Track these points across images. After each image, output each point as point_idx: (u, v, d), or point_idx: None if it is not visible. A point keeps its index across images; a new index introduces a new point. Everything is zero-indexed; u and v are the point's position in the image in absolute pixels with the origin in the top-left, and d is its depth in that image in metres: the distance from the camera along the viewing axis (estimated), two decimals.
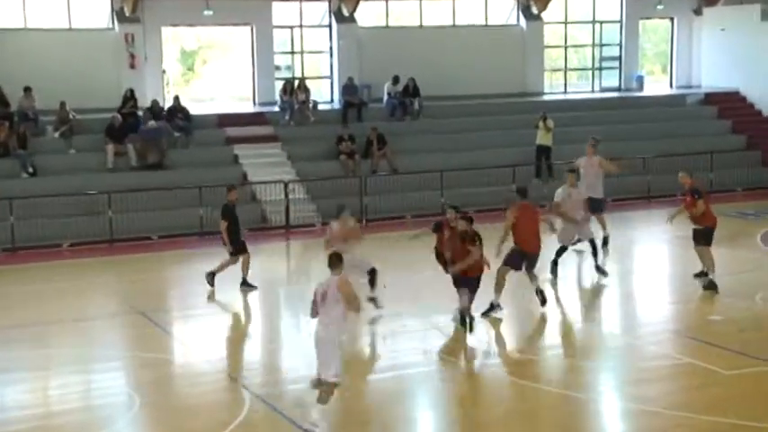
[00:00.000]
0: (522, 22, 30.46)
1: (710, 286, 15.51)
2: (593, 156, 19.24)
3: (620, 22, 31.91)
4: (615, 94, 30.98)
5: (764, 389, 11.28)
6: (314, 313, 10.35)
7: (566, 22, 31.92)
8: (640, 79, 31.85)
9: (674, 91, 31.87)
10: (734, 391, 11.20)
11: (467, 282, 13.43)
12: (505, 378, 12.05)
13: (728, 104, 29.54)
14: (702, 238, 15.72)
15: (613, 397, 11.55)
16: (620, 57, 32.08)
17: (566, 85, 32.03)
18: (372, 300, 14.45)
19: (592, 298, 16.12)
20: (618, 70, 32.22)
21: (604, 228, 18.76)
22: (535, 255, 14.61)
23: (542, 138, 24.86)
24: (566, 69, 32.38)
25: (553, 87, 31.57)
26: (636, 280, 17.46)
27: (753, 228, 21.16)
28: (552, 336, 14.16)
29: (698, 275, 16.05)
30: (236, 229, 16.13)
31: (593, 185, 18.69)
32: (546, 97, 30.15)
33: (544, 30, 30.80)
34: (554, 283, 16.19)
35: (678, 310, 15.16)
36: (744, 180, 26.38)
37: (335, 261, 10.38)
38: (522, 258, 14.50)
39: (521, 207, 14.75)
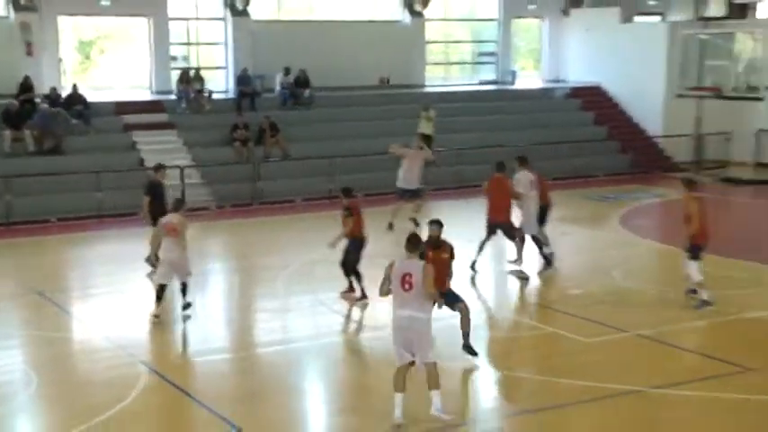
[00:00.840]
0: (407, 18, 30.72)
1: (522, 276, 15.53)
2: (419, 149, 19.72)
3: (497, 20, 32.49)
4: (491, 87, 31.54)
5: (619, 354, 11.79)
6: (385, 292, 9.51)
7: (446, 20, 32.31)
8: (514, 74, 32.51)
9: (543, 85, 32.63)
10: (593, 356, 11.67)
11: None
12: (388, 348, 12.20)
13: (591, 98, 30.41)
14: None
15: (486, 365, 11.89)
16: (496, 52, 32.69)
17: (446, 77, 32.46)
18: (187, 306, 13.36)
19: (466, 279, 16.42)
20: (494, 65, 32.82)
21: (417, 211, 19.16)
22: (504, 224, 15.24)
23: (424, 127, 25.16)
24: (446, 63, 32.80)
25: (435, 80, 31.95)
26: (505, 259, 17.85)
27: (612, 210, 21.91)
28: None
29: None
30: (161, 207, 15.36)
31: (411, 177, 19.16)
32: (428, 89, 30.50)
33: (426, 26, 31.11)
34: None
35: (543, 285, 15.63)
36: (605, 166, 27.27)
37: (416, 243, 9.53)
38: (492, 229, 15.16)
39: (494, 179, 15.32)
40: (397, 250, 17.47)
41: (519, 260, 15.84)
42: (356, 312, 13.78)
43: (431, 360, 9.44)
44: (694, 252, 13.44)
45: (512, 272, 15.80)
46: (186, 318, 13.23)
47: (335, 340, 12.78)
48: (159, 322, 12.91)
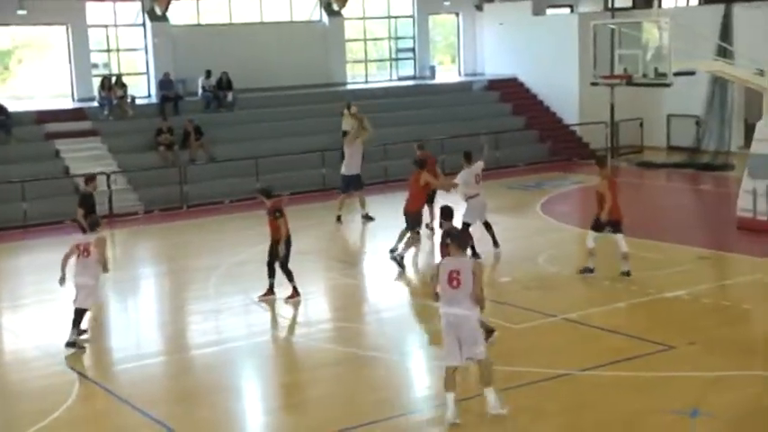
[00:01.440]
0: (325, 18, 30.56)
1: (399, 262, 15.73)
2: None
3: (413, 17, 32.53)
4: (411, 83, 31.59)
5: (548, 339, 11.87)
6: (433, 290, 9.35)
7: (364, 18, 32.24)
8: (432, 69, 32.59)
9: (462, 78, 32.79)
10: (522, 342, 11.74)
11: None
12: (322, 345, 12.15)
13: (509, 90, 30.65)
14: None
15: (418, 356, 11.87)
16: (414, 48, 32.75)
17: (366, 75, 32.41)
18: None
19: (394, 269, 16.38)
20: (412, 61, 32.87)
21: (363, 206, 19.39)
22: (405, 213, 15.83)
23: (347, 124, 25.03)
24: (366, 61, 32.76)
25: (355, 78, 31.87)
26: (436, 251, 17.87)
27: (534, 198, 22.11)
28: (364, 304, 14.36)
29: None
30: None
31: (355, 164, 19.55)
32: (349, 87, 30.40)
33: (345, 25, 31.00)
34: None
35: None
36: (525, 156, 27.53)
37: (464, 240, 9.58)
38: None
39: (412, 174, 16.07)
40: (320, 244, 17.56)
41: (397, 247, 15.83)
42: (288, 310, 13.63)
43: (482, 357, 9.23)
44: (597, 225, 14.22)
45: (392, 257, 15.78)
46: (75, 348, 11.82)
47: (268, 339, 12.64)
48: (88, 339, 12.42)
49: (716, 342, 11.31)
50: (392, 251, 15.94)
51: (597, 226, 14.22)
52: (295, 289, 13.78)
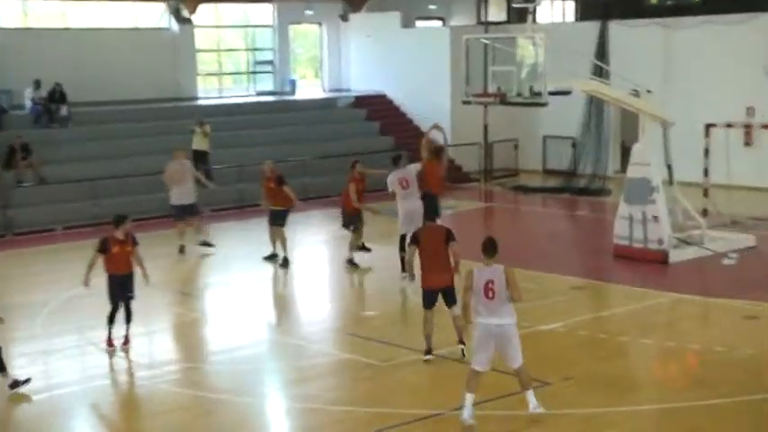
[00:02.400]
0: (174, 25, 30.29)
1: (285, 264, 17.72)
2: (185, 159, 20.01)
3: (272, 26, 32.62)
4: (270, 98, 31.61)
5: (414, 377, 12.05)
6: (466, 303, 10.12)
7: (218, 26, 32.12)
8: (293, 83, 32.75)
9: (325, 94, 33.06)
10: (388, 381, 11.88)
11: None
12: (167, 388, 11.97)
13: (376, 107, 31.11)
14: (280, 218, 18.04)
15: (276, 398, 11.85)
16: (274, 61, 32.81)
17: (221, 89, 32.25)
18: None
19: (251, 302, 16.33)
20: (271, 74, 32.92)
21: (198, 232, 19.60)
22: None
23: (198, 143, 24.86)
24: (220, 74, 32.60)
25: (207, 92, 31.67)
26: (295, 282, 17.92)
27: None
28: (214, 343, 14.25)
29: (268, 258, 18.01)
30: None
31: (186, 191, 19.45)
32: (201, 102, 30.18)
33: (195, 33, 30.80)
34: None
35: (336, 309, 15.81)
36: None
37: (495, 248, 10.15)
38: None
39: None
40: (165, 276, 17.31)
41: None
42: (130, 351, 13.36)
43: (520, 364, 10.14)
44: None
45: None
46: None
47: (107, 383, 12.36)
48: None
49: (593, 377, 11.74)
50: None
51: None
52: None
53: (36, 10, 28.62)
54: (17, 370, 12.95)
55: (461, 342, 12.34)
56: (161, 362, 13.26)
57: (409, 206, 16.67)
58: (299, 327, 14.95)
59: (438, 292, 12.31)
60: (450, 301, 12.22)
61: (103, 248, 13.14)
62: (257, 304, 16.16)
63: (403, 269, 16.20)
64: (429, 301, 12.41)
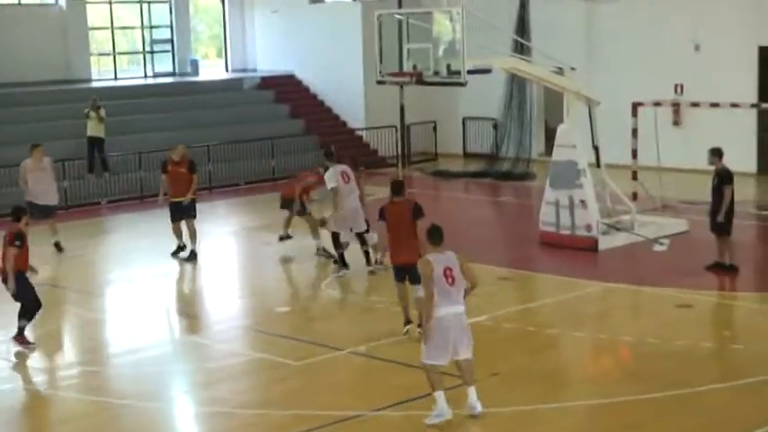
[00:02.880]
0: (62, 1, 29.63)
1: (192, 257, 17.76)
2: (44, 157, 18.98)
3: (169, 2, 32.15)
4: (169, 80, 31.18)
5: (331, 377, 12.01)
6: (430, 293, 10.07)
7: (110, 2, 31.51)
8: (195, 63, 32.36)
9: (230, 75, 32.74)
10: (304, 380, 11.82)
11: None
12: (67, 395, 11.72)
13: (285, 88, 30.91)
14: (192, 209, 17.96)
15: (183, 402, 11.69)
16: (172, 39, 32.36)
17: (116, 70, 31.69)
18: None
19: (154, 300, 16.07)
20: (171, 54, 32.46)
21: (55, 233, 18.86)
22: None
23: (93, 128, 24.39)
24: (114, 53, 32.03)
25: (102, 74, 31.09)
26: (201, 277, 17.72)
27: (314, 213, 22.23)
28: (116, 344, 14.00)
29: (176, 252, 17.91)
30: None
31: (45, 191, 18.69)
32: (95, 84, 29.62)
33: (87, 10, 30.19)
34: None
35: (246, 305, 15.67)
36: (304, 165, 27.50)
37: (441, 234, 10.24)
38: None
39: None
40: (56, 273, 16.95)
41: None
42: (24, 355, 13.05)
43: (470, 356, 10.26)
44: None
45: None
46: None
47: (5, 388, 12.05)
48: None
49: (522, 372, 11.84)
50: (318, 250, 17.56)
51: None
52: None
53: None
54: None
55: (408, 322, 12.88)
56: (59, 365, 12.98)
57: (351, 204, 16.41)
58: (207, 325, 14.77)
59: (404, 268, 12.69)
60: (415, 279, 12.21)
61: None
62: (161, 302, 15.92)
63: (343, 264, 16.36)
64: (397, 276, 13.01)
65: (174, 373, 12.65)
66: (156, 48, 32.54)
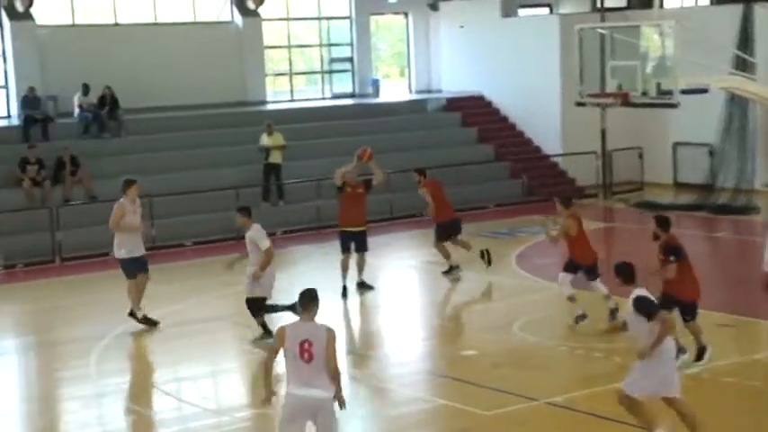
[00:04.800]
0: (238, 18, 30.77)
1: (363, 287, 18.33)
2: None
3: (350, 18, 32.91)
4: (349, 102, 31.86)
5: (526, 429, 12.01)
6: (270, 365, 9.65)
7: (288, 19, 32.54)
8: (376, 83, 32.94)
9: (413, 96, 33.16)
10: None
11: None
12: None
13: (473, 111, 31.07)
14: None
15: None
16: (352, 58, 33.07)
17: (292, 91, 32.62)
18: None
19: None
20: (350, 73, 33.18)
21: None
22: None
23: (272, 154, 25.26)
24: (291, 73, 32.99)
25: (277, 95, 32.03)
26: (381, 315, 18.03)
27: (507, 248, 22.33)
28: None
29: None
30: None
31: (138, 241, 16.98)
32: (270, 106, 30.56)
33: (264, 27, 31.23)
34: None
35: (429, 347, 15.85)
36: (494, 195, 27.87)
37: (314, 300, 9.49)
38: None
39: None
40: (234, 308, 17.54)
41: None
42: (195, 395, 13.59)
43: None
44: (568, 268, 15.70)
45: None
46: None
47: (173, 430, 12.56)
48: None
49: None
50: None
51: (569, 267, 15.72)
52: None
53: (84, 4, 29.31)
54: (68, 415, 13.31)
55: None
56: (230, 407, 13.43)
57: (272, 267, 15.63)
58: (386, 368, 15.00)
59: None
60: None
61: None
62: (338, 341, 16.23)
63: (265, 332, 15.31)
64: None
65: (353, 418, 12.90)
66: (335, 67, 33.33)
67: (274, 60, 32.55)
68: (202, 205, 24.15)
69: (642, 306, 10.65)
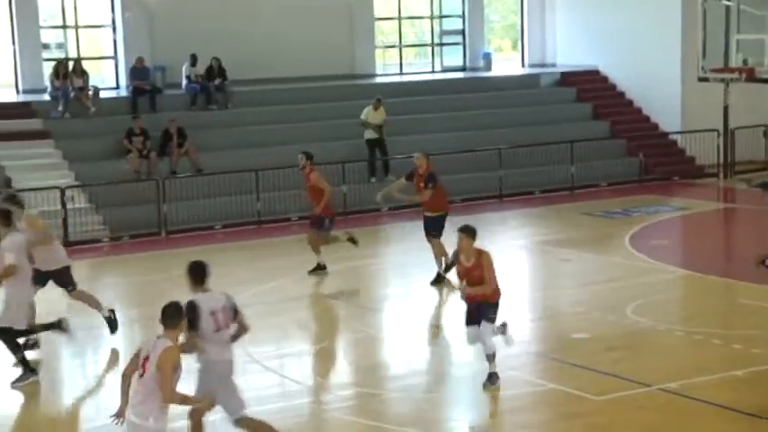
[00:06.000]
0: None
1: (438, 280, 17.42)
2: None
3: None
4: (458, 75, 31.69)
5: (640, 416, 11.81)
6: (125, 388, 9.20)
7: None
8: (488, 57, 32.69)
9: (526, 70, 32.86)
10: (608, 418, 11.69)
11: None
12: (342, 417, 12.16)
13: (588, 85, 30.70)
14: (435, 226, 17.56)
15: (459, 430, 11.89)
16: (464, 31, 32.86)
17: (401, 64, 32.56)
18: None
19: (438, 319, 16.46)
20: (461, 46, 32.99)
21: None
22: None
23: (370, 130, 25.25)
24: (400, 46, 32.93)
25: (386, 68, 31.95)
26: None
27: (621, 228, 22.01)
28: (396, 366, 14.39)
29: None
30: None
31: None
32: (378, 79, 30.55)
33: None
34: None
35: (539, 328, 15.70)
36: (608, 173, 27.46)
37: (172, 312, 9.16)
38: None
39: None
40: (339, 285, 17.57)
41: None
42: (298, 372, 13.68)
43: (245, 412, 10.05)
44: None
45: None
46: None
47: (272, 408, 12.63)
48: None
49: None
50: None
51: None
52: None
53: None
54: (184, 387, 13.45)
55: None
56: (335, 385, 13.48)
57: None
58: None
59: None
60: None
61: None
62: (442, 320, 16.23)
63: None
64: None
65: (457, 400, 12.87)
66: (445, 39, 33.16)
67: (384, 33, 32.50)
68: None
69: None
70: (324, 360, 14.50)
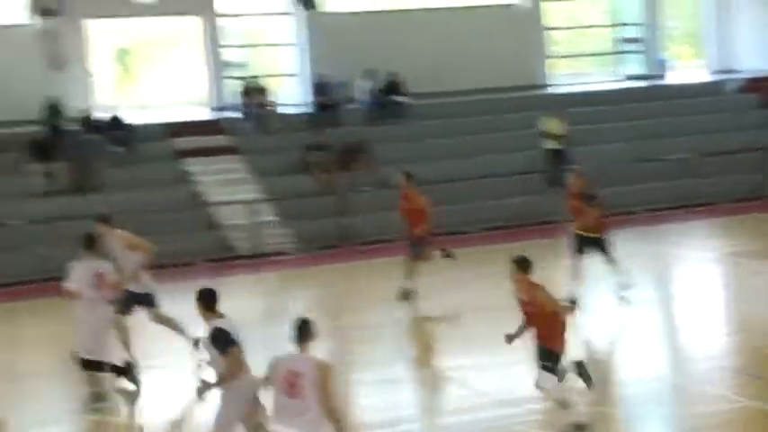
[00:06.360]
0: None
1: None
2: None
3: None
4: (635, 84, 31.09)
5: None
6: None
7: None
8: (662, 63, 32.01)
9: (710, 77, 32.00)
10: None
11: None
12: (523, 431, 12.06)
13: None
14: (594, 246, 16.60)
15: None
16: (641, 38, 32.14)
17: (578, 74, 32.15)
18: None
19: (624, 331, 16.17)
20: (638, 54, 32.34)
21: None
22: None
23: (548, 141, 25.06)
24: (575, 56, 32.57)
25: (557, 78, 31.53)
26: (678, 308, 17.57)
27: None
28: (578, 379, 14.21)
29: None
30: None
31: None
32: (550, 90, 30.32)
33: (545, 8, 31.02)
34: None
35: (733, 342, 15.31)
36: None
37: (304, 327, 8.71)
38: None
39: None
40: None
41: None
42: (487, 384, 13.64)
43: None
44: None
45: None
46: None
47: (457, 421, 12.62)
48: None
49: None
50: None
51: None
52: None
53: None
54: (359, 400, 13.63)
55: None
56: (524, 397, 13.38)
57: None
58: (685, 362, 14.60)
59: None
60: None
61: None
62: (637, 332, 15.91)
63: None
64: None
65: (651, 416, 12.63)
66: (624, 47, 32.60)
67: (557, 42, 32.22)
68: (486, 192, 24.18)
69: None
70: (511, 373, 14.37)
